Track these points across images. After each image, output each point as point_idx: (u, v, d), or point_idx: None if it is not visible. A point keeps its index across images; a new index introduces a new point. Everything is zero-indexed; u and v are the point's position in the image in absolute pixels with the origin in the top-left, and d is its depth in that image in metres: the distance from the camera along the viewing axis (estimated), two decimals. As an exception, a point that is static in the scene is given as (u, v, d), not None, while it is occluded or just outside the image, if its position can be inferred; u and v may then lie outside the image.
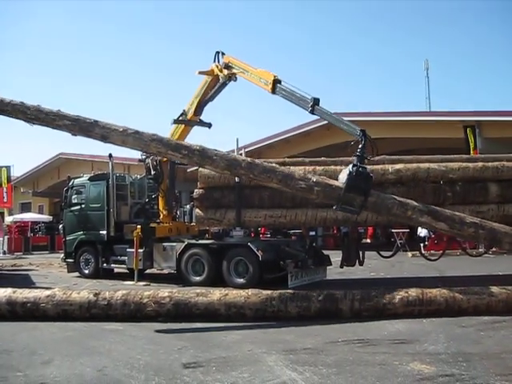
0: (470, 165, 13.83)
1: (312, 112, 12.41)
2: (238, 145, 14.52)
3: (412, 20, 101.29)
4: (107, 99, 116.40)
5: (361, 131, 11.36)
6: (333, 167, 13.64)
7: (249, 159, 11.40)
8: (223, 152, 11.53)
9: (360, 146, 11.24)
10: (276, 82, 13.16)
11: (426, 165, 13.73)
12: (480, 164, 13.86)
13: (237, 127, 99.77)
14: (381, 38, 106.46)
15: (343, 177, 10.94)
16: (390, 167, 13.60)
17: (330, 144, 29.11)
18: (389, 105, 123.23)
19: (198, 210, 14.41)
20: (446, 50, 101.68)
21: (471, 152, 22.73)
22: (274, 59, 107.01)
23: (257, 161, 11.39)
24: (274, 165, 11.42)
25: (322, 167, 13.64)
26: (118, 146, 11.79)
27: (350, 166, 10.90)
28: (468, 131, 23.68)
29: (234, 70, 14.62)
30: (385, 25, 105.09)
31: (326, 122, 27.81)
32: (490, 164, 13.92)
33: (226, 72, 14.74)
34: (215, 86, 15.49)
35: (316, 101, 12.37)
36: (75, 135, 13.36)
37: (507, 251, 18.14)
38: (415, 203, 11.43)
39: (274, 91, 13.26)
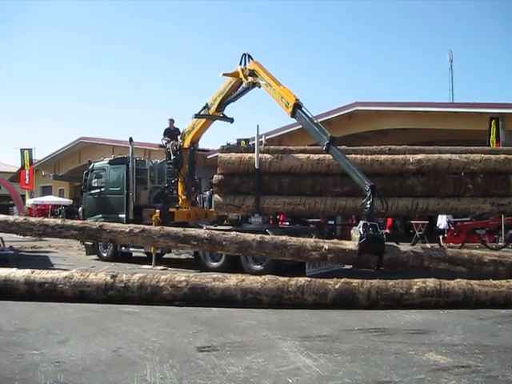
0: (492, 157, 13.69)
1: (327, 151, 12.37)
2: (258, 132, 14.41)
3: (434, 14, 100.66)
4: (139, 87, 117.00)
5: (370, 187, 11.27)
6: (353, 156, 13.57)
7: (258, 237, 11.56)
8: (232, 235, 11.81)
9: (369, 203, 11.19)
10: (296, 106, 13.10)
11: (448, 156, 13.62)
12: (502, 156, 13.71)
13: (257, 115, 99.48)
14: (404, 31, 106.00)
15: (356, 238, 10.96)
16: (411, 157, 13.51)
17: (352, 133, 28.96)
18: (411, 98, 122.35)
19: (216, 195, 14.41)
20: (469, 46, 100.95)
21: (494, 145, 22.44)
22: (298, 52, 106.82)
23: (267, 238, 11.64)
24: (284, 238, 11.65)
25: (343, 155, 13.57)
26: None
27: (361, 225, 10.91)
28: (493, 123, 23.35)
29: (259, 80, 14.37)
30: (408, 19, 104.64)
31: (348, 110, 28.11)
32: (512, 157, 13.77)
33: (250, 79, 14.50)
34: (239, 87, 15.35)
35: (332, 139, 12.31)
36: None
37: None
38: (430, 251, 11.48)
39: (293, 115, 13.22)
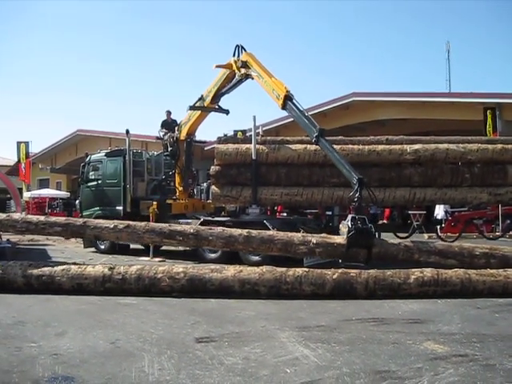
0: (490, 146, 13.69)
1: (316, 143, 12.35)
2: (255, 123, 14.39)
3: (432, 4, 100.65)
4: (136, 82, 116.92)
5: (358, 180, 11.24)
6: (350, 146, 13.59)
7: (245, 232, 11.47)
8: (218, 230, 11.76)
9: (357, 196, 11.15)
10: (287, 98, 13.09)
11: (445, 145, 13.61)
12: (499, 146, 13.71)
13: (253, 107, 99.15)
14: (401, 22, 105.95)
15: (344, 231, 10.92)
16: (408, 147, 13.51)
17: (348, 124, 28.96)
18: (408, 88, 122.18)
19: (214, 186, 14.41)
20: (467, 35, 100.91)
21: (490, 135, 22.44)
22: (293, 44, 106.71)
23: (253, 233, 11.48)
24: (272, 233, 11.64)
25: (340, 146, 13.56)
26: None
27: (350, 218, 10.89)
28: (488, 113, 23.36)
29: (251, 72, 14.39)
30: (405, 10, 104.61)
31: (345, 101, 28.12)
32: (509, 146, 13.76)
33: (242, 71, 14.55)
34: (233, 78, 15.35)
35: (321, 131, 12.29)
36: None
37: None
38: (420, 244, 11.45)
39: (283, 107, 13.22)
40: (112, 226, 11.82)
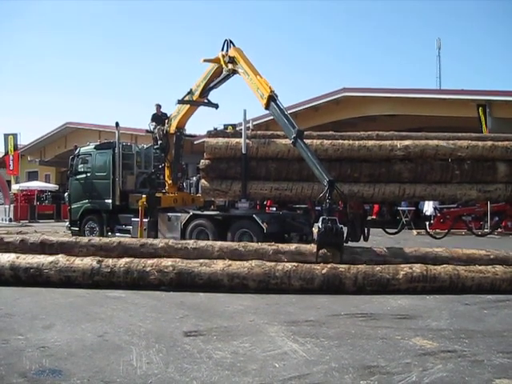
0: (480, 143, 13.65)
1: (294, 144, 12.38)
2: (245, 117, 14.31)
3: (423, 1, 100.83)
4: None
5: (328, 182, 11.27)
6: (340, 141, 13.52)
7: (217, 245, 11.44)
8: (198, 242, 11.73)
9: (328, 197, 11.16)
10: (271, 98, 13.15)
11: (435, 142, 13.58)
12: (489, 143, 13.67)
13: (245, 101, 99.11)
14: (392, 18, 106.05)
15: (316, 232, 10.95)
16: (398, 143, 13.46)
17: (339, 119, 28.96)
18: (398, 85, 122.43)
19: (203, 180, 14.33)
20: (458, 33, 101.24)
21: (485, 132, 22.49)
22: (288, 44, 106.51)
23: (225, 244, 11.42)
24: (246, 243, 11.52)
25: (330, 141, 13.52)
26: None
27: (320, 220, 10.86)
28: (480, 110, 23.42)
29: (237, 68, 14.35)
30: (396, 7, 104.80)
31: (336, 96, 28.12)
32: (499, 143, 13.72)
33: (230, 66, 14.49)
34: (221, 73, 15.29)
35: (299, 133, 12.33)
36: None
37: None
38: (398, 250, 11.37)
39: (267, 107, 13.34)
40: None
